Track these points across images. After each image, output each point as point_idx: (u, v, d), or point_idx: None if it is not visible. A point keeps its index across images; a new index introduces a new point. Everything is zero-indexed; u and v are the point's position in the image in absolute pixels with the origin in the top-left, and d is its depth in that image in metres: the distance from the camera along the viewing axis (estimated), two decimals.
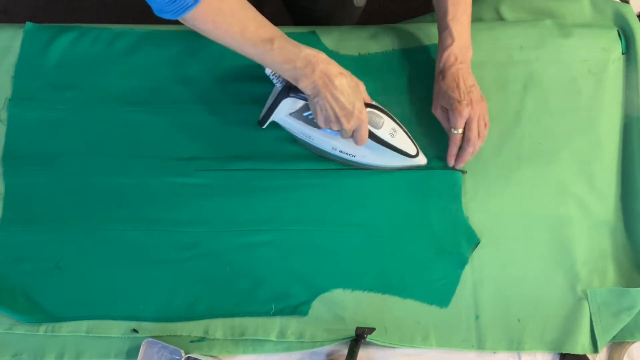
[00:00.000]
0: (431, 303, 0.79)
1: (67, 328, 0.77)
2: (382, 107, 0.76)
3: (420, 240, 0.81)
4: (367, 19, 1.11)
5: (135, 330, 0.77)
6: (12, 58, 0.88)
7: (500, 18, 0.94)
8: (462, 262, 0.80)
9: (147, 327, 0.77)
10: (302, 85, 0.69)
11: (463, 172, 0.84)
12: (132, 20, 0.98)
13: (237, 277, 0.79)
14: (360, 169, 0.83)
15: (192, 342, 0.77)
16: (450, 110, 0.78)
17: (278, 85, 0.74)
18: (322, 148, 0.81)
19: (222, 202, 0.82)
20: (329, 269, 0.80)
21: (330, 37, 0.90)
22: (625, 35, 0.90)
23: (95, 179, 0.83)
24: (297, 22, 1.15)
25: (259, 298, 0.78)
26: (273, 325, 0.77)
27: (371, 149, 0.78)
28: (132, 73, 0.88)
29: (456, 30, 0.78)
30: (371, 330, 0.75)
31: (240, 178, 0.83)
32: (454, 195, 0.83)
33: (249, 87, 0.87)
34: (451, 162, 0.82)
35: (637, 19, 0.91)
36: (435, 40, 0.86)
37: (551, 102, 0.87)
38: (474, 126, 0.77)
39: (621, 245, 0.83)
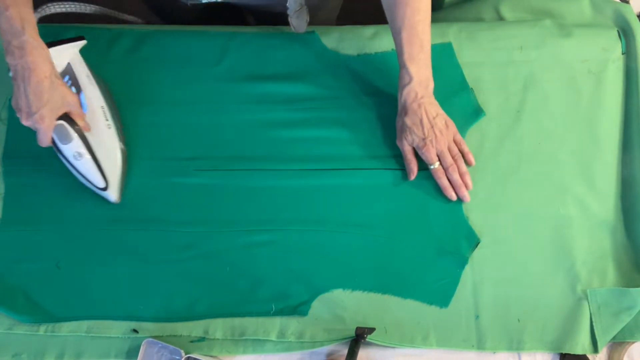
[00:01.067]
0: (431, 303, 0.79)
1: (67, 328, 0.77)
2: (81, 132, 0.77)
3: (420, 240, 0.81)
4: (367, 19, 1.11)
5: (135, 330, 0.77)
6: None
7: (500, 18, 0.94)
8: (462, 262, 0.80)
9: (147, 327, 0.77)
10: (7, 60, 0.71)
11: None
12: (132, 20, 0.98)
13: (237, 277, 0.79)
14: (358, 169, 0.83)
15: (192, 342, 0.77)
16: (418, 149, 0.80)
17: None
18: None
19: (222, 202, 0.82)
20: (329, 269, 0.80)
21: (330, 37, 0.90)
22: (625, 35, 0.90)
23: None
24: None
25: (259, 298, 0.78)
26: (273, 325, 0.77)
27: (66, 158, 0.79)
28: (132, 73, 0.88)
29: (413, 69, 0.78)
30: (371, 330, 0.75)
31: (240, 178, 0.83)
32: None
33: (250, 87, 0.87)
34: (451, 194, 0.81)
35: (637, 19, 0.91)
36: (434, 41, 0.86)
37: (551, 102, 0.87)
38: (447, 155, 0.80)
39: (621, 245, 0.83)
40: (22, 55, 0.70)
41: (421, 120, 0.79)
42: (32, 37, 0.70)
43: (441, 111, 0.81)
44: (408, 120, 0.79)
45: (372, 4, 1.54)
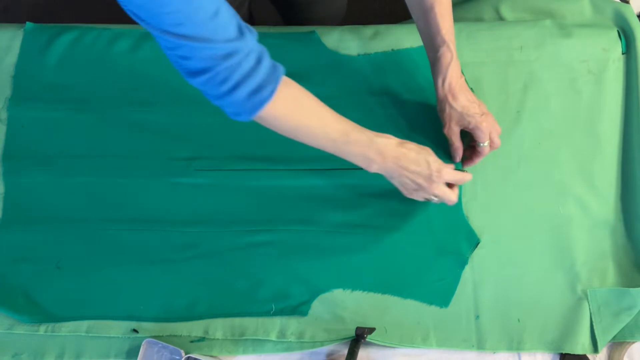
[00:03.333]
0: (431, 303, 0.79)
1: (67, 328, 0.77)
2: None
3: (420, 240, 0.81)
4: (367, 19, 1.11)
5: (135, 330, 0.77)
6: (12, 58, 0.88)
7: (500, 18, 0.94)
8: (462, 262, 0.80)
9: (147, 327, 0.77)
10: (373, 169, 0.72)
11: (463, 171, 0.83)
12: (132, 20, 0.98)
13: (237, 277, 0.79)
14: (358, 169, 0.83)
15: (192, 342, 0.77)
16: (474, 129, 0.77)
17: None
18: None
19: (222, 202, 0.82)
20: (329, 269, 0.80)
21: (330, 37, 0.90)
22: (625, 35, 0.90)
23: (95, 179, 0.83)
24: (284, 16, 1.16)
25: (259, 298, 0.78)
26: (273, 325, 0.77)
27: None
28: (132, 73, 0.88)
29: (452, 42, 0.75)
30: (371, 330, 0.75)
31: (240, 178, 0.83)
32: None
33: None
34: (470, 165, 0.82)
35: (637, 19, 0.91)
36: None
37: (551, 102, 0.87)
38: (496, 134, 0.78)
39: (621, 245, 0.83)
40: (384, 160, 0.70)
41: (469, 100, 0.76)
42: (373, 136, 0.70)
43: None
44: (458, 106, 0.75)
45: (372, 4, 1.54)
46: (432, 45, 0.76)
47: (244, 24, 0.59)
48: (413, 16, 0.78)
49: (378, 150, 0.70)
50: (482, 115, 0.76)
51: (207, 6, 0.54)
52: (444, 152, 0.83)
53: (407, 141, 0.73)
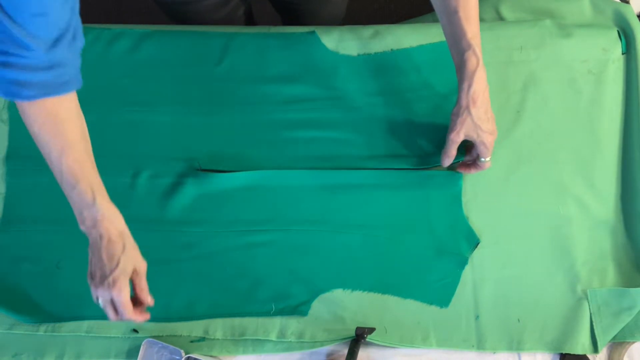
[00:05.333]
0: (431, 303, 0.79)
1: (67, 328, 0.77)
2: None
3: (420, 240, 0.81)
4: (367, 19, 1.11)
5: (135, 330, 0.77)
6: None
7: (500, 18, 0.94)
8: (462, 262, 0.80)
9: (147, 327, 0.77)
10: (82, 228, 0.67)
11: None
12: (132, 20, 0.98)
13: (237, 277, 0.79)
14: (358, 169, 0.83)
15: (192, 342, 0.77)
16: (479, 143, 0.76)
17: None
18: None
19: (222, 202, 0.82)
20: (329, 269, 0.80)
21: (330, 37, 0.90)
22: (625, 35, 0.90)
23: None
24: (284, 19, 1.16)
25: (259, 298, 0.78)
26: (273, 325, 0.77)
27: None
28: (132, 73, 0.88)
29: (478, 47, 0.72)
30: (371, 330, 0.75)
31: (240, 178, 0.83)
32: (454, 195, 0.83)
33: (249, 87, 0.87)
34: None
35: (637, 19, 0.91)
36: (435, 39, 0.86)
37: (551, 102, 0.87)
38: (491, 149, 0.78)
39: (621, 245, 0.83)
40: (94, 225, 0.66)
41: (486, 112, 0.74)
42: (103, 206, 0.66)
43: None
44: (475, 115, 0.73)
45: (372, 4, 1.54)
46: (457, 49, 0.74)
47: (79, 33, 0.59)
48: (439, 17, 0.76)
49: (93, 218, 0.65)
50: (492, 132, 0.76)
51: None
52: (439, 153, 0.83)
53: (129, 235, 0.68)
